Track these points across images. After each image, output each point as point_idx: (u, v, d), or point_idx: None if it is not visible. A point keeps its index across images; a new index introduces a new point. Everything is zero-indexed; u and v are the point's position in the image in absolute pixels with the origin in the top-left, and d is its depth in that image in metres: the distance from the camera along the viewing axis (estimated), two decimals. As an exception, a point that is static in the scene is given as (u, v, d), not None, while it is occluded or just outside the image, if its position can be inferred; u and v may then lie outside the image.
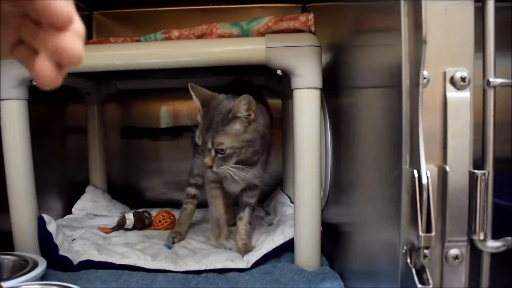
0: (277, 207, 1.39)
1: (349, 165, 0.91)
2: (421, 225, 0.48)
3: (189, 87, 0.98)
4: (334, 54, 1.04)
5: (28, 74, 0.93)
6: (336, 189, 1.04)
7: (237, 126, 0.96)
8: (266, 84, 1.45)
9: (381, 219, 0.67)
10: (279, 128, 1.53)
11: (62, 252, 1.02)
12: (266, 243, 1.03)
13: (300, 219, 0.95)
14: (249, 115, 0.96)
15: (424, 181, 0.48)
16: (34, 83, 0.99)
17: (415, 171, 0.49)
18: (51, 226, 1.04)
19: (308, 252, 0.97)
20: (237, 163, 0.98)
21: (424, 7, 0.47)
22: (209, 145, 0.95)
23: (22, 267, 0.89)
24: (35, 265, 0.90)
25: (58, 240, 1.03)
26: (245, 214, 1.12)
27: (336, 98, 1.02)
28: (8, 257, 0.94)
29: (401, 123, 0.54)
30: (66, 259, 1.00)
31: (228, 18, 1.56)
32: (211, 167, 0.95)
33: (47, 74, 0.35)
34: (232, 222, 1.27)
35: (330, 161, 1.09)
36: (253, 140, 0.98)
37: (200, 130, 0.97)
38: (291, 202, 1.37)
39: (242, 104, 0.94)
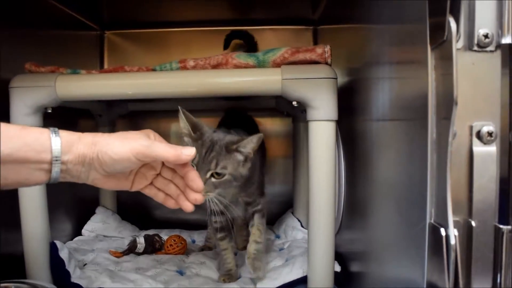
0: (287, 230, 1.39)
1: (365, 192, 0.90)
2: (448, 285, 0.48)
3: (180, 111, 0.93)
4: (346, 77, 1.05)
5: (42, 102, 0.96)
6: (351, 215, 1.04)
7: (239, 157, 0.93)
8: (277, 107, 1.45)
9: (401, 258, 0.67)
10: (290, 150, 1.54)
11: (74, 279, 1.02)
12: (284, 274, 1.03)
13: (314, 251, 0.95)
14: (249, 153, 0.94)
15: (452, 241, 0.47)
16: (49, 110, 1.00)
17: (442, 230, 0.49)
18: (63, 253, 1.04)
19: (321, 282, 0.96)
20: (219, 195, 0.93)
21: (455, 68, 0.46)
22: (212, 166, 0.90)
23: (35, 297, 0.90)
24: (48, 294, 0.90)
25: (70, 266, 1.03)
26: (255, 220, 1.09)
27: (349, 122, 1.02)
28: (21, 285, 0.94)
29: (426, 176, 0.53)
30: (78, 287, 1.00)
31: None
32: None
33: (190, 207, 0.69)
34: (243, 246, 1.26)
35: (343, 186, 1.09)
36: (246, 178, 0.96)
37: (199, 149, 0.91)
38: (302, 226, 1.37)
39: (252, 142, 0.92)
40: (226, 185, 0.93)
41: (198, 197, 0.69)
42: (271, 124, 1.62)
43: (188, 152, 0.65)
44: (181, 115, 0.93)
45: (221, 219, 1.09)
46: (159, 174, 0.71)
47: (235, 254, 1.15)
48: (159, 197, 0.71)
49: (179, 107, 0.93)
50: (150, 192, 0.71)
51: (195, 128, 0.94)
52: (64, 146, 0.60)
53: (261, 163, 1.14)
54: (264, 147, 1.24)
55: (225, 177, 0.91)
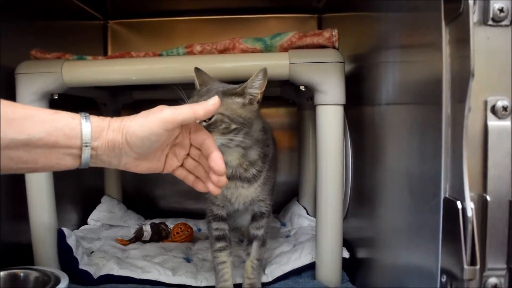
0: (293, 218, 1.39)
1: (374, 178, 0.90)
2: (465, 257, 0.48)
3: (194, 69, 0.90)
4: (352, 65, 1.04)
5: (49, 88, 0.95)
6: (358, 201, 1.04)
7: (237, 100, 0.85)
8: (282, 95, 1.44)
9: (411, 241, 0.67)
10: (295, 139, 1.53)
11: (82, 266, 1.02)
12: (293, 260, 1.03)
13: (322, 235, 0.95)
14: (256, 94, 0.85)
15: (469, 213, 0.47)
16: (56, 97, 0.99)
17: (459, 203, 0.48)
18: (71, 240, 1.04)
19: (329, 268, 0.96)
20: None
21: (472, 40, 0.46)
22: None
23: (45, 282, 0.90)
24: (58, 280, 0.90)
25: (78, 253, 1.03)
26: (252, 249, 0.99)
27: (356, 109, 1.01)
28: (30, 271, 0.94)
29: (440, 152, 0.53)
30: (86, 273, 1.00)
31: (243, 28, 1.58)
32: None
33: (216, 190, 0.68)
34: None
35: (350, 172, 1.09)
36: (248, 122, 0.85)
37: (192, 96, 0.86)
38: (308, 213, 1.37)
39: (259, 78, 0.83)
40: (223, 126, 0.82)
41: (221, 180, 0.67)
42: (276, 115, 1.61)
43: (212, 101, 0.65)
44: (195, 72, 0.89)
45: (223, 226, 0.99)
46: (188, 155, 0.70)
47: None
48: (189, 179, 0.71)
49: (195, 67, 0.90)
50: (181, 174, 0.71)
51: (203, 83, 0.89)
52: (94, 131, 0.61)
53: (275, 162, 1.05)
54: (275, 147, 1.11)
55: (214, 117, 0.81)
